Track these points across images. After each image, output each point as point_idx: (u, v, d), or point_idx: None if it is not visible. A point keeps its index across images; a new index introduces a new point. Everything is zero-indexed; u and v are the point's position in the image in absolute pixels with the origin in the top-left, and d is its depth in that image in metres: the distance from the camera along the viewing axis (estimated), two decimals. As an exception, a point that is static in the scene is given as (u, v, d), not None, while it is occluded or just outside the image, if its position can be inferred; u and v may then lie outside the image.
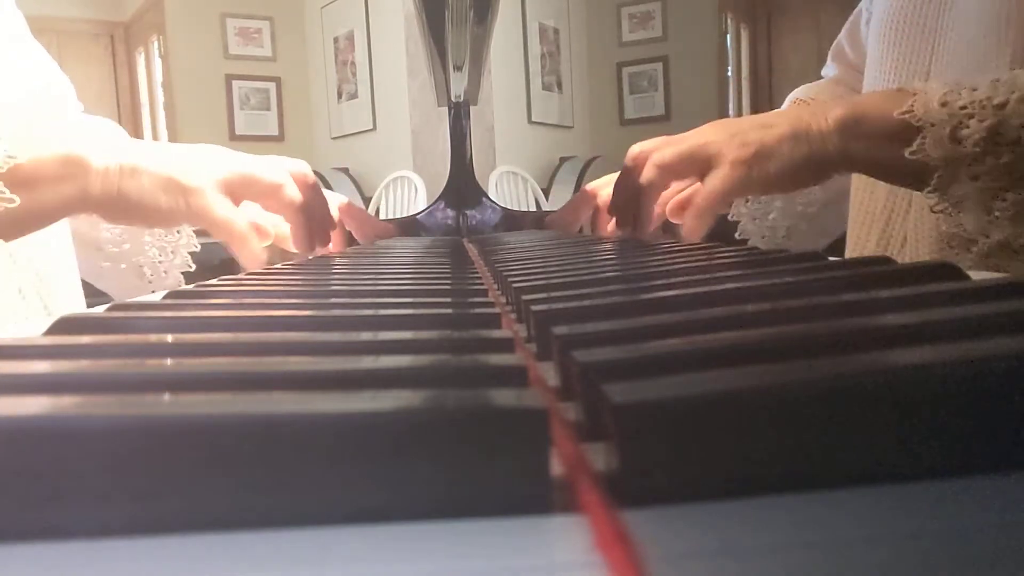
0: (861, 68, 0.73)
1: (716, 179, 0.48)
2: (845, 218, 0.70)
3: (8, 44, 0.56)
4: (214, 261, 0.64)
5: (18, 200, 0.40)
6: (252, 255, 0.50)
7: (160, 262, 0.62)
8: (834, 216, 0.69)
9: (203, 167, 0.49)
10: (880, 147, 0.44)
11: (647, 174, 0.52)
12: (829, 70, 0.78)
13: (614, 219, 0.62)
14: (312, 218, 0.56)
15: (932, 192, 0.41)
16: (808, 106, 0.49)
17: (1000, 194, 0.39)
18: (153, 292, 0.50)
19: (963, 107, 0.40)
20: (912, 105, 0.41)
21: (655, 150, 0.52)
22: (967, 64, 0.53)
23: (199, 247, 0.62)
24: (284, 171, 0.53)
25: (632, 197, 0.55)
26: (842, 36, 0.75)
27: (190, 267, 0.63)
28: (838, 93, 0.74)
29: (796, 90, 0.78)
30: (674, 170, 0.51)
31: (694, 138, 0.51)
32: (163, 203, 0.46)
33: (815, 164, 0.46)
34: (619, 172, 0.58)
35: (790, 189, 0.51)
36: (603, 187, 0.70)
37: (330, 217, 0.60)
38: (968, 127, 0.39)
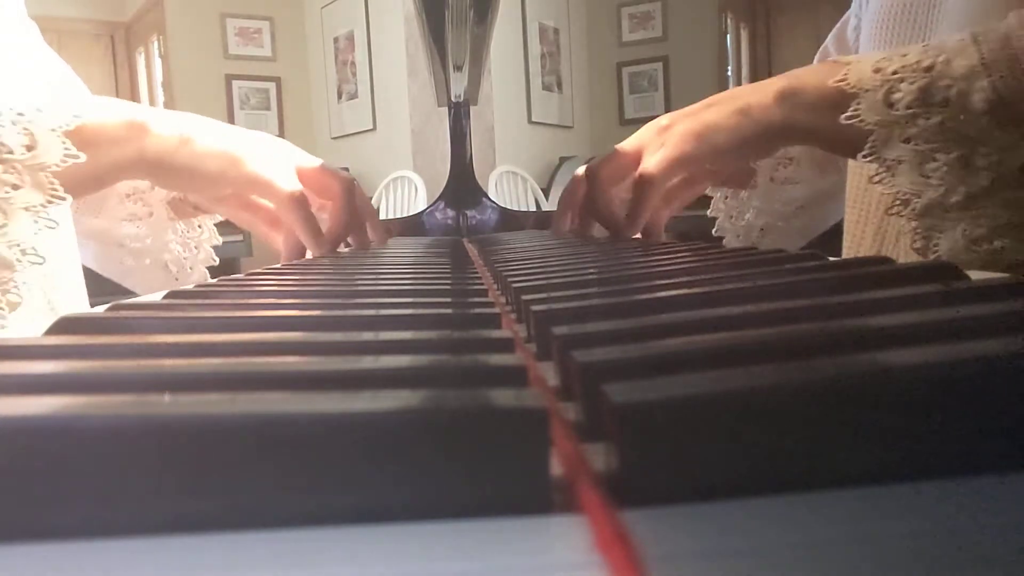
0: None
1: (668, 145, 0.51)
2: (822, 220, 0.72)
3: (11, 49, 0.56)
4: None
5: (84, 157, 0.42)
6: (301, 219, 0.52)
7: (185, 258, 0.63)
8: (811, 217, 0.71)
9: (255, 148, 0.52)
10: (818, 115, 0.45)
11: (651, 189, 0.53)
12: None
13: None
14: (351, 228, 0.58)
15: (867, 156, 0.42)
16: (751, 85, 0.51)
17: (932, 155, 0.41)
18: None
19: (895, 72, 0.41)
20: (846, 74, 0.43)
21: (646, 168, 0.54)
22: None
23: (221, 242, 0.63)
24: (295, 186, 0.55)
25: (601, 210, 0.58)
26: (829, 42, 0.77)
27: (214, 260, 0.64)
28: None
29: None
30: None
31: (649, 141, 0.54)
32: (212, 167, 0.50)
33: (760, 135, 0.48)
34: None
35: (740, 160, 0.54)
36: None
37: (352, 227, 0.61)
38: (900, 91, 0.41)
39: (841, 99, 0.43)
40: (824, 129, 0.46)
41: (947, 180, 0.40)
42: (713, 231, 0.67)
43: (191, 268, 0.64)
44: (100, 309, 0.24)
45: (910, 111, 0.40)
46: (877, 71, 0.42)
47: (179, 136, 0.49)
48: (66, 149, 0.42)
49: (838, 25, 0.75)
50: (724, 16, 4.09)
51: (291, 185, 0.53)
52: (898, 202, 0.42)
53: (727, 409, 0.11)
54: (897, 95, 0.41)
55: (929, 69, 0.40)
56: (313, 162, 0.58)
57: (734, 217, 0.67)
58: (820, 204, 0.70)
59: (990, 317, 0.16)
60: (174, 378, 0.15)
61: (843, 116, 0.42)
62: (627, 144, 0.56)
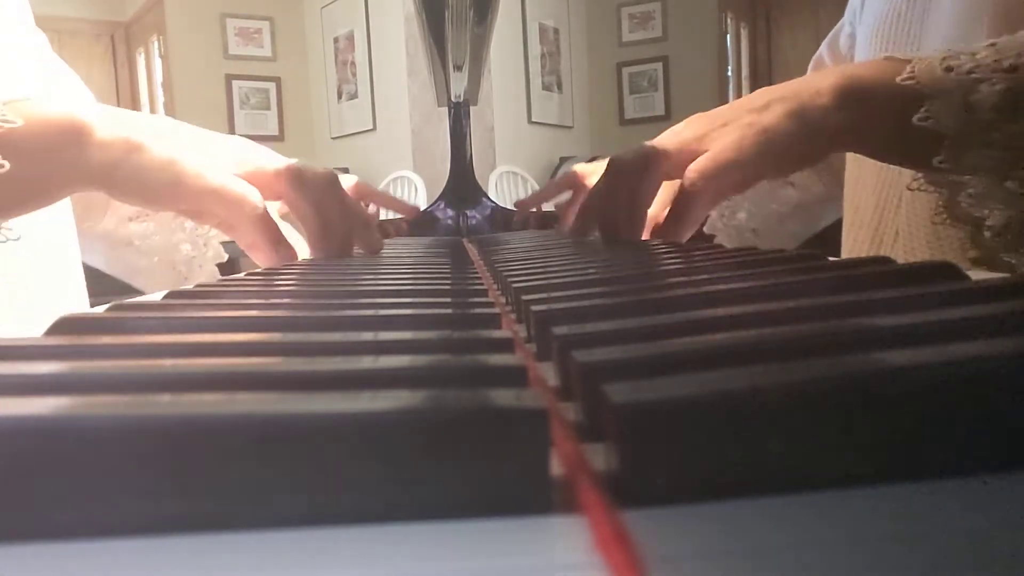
0: None
1: (725, 141, 0.44)
2: (815, 222, 0.71)
3: (11, 49, 0.56)
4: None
5: (7, 166, 0.37)
6: (253, 221, 0.47)
7: (193, 256, 0.62)
8: (804, 219, 0.70)
9: (209, 155, 0.47)
10: (880, 118, 0.41)
11: (693, 184, 0.45)
12: None
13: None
14: (329, 226, 0.51)
15: (943, 162, 0.38)
16: (796, 82, 0.45)
17: (1018, 163, 0.37)
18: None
19: (970, 71, 0.37)
20: (913, 72, 0.39)
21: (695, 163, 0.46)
22: None
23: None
24: (295, 164, 0.50)
25: (632, 207, 0.50)
26: (823, 50, 0.76)
27: (223, 256, 0.62)
28: None
29: None
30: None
31: (689, 133, 0.47)
32: (157, 181, 0.43)
33: (812, 141, 0.43)
34: (608, 176, 0.51)
35: (790, 170, 0.47)
36: (591, 174, 0.69)
37: (348, 235, 0.53)
38: (979, 92, 0.37)
39: (910, 100, 0.38)
40: (882, 134, 0.41)
41: None
42: (704, 228, 0.66)
43: (200, 266, 0.63)
44: (100, 309, 0.24)
45: (992, 115, 0.37)
46: (949, 70, 0.38)
47: (125, 144, 0.42)
48: None
49: (831, 33, 0.75)
50: (724, 16, 4.10)
51: (242, 189, 0.46)
52: (965, 217, 0.39)
53: (727, 409, 0.11)
54: (976, 96, 0.37)
55: (1013, 70, 0.37)
56: (270, 163, 0.51)
57: (726, 216, 0.67)
58: (814, 206, 0.70)
59: (990, 317, 0.16)
60: (174, 378, 0.15)
61: (916, 118, 0.38)
62: (669, 143, 0.48)
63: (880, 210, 0.63)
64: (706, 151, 0.45)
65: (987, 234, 0.38)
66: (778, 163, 0.44)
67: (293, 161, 0.52)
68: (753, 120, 0.43)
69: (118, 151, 0.42)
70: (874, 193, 0.63)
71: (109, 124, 0.42)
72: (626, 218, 0.50)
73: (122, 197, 0.46)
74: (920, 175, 0.41)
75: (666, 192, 0.54)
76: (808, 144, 0.43)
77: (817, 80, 0.42)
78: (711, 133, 0.45)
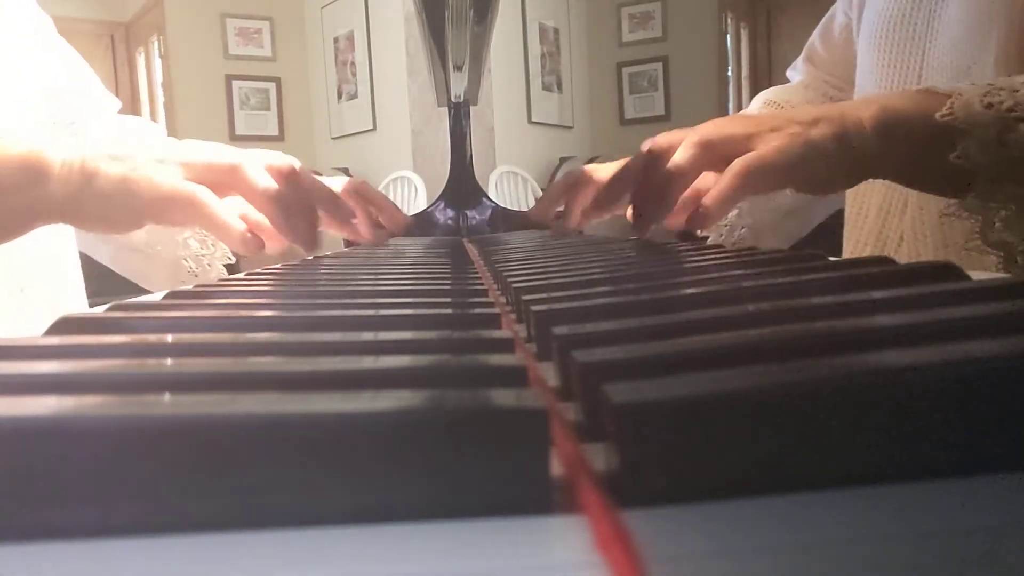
0: (830, 70, 0.74)
1: (771, 144, 0.44)
2: (809, 222, 0.71)
3: (11, 49, 0.56)
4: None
5: None
6: (208, 219, 0.45)
7: (203, 255, 0.61)
8: (798, 221, 0.69)
9: (158, 163, 0.46)
10: (917, 151, 0.42)
11: (684, 154, 0.46)
12: (796, 74, 0.78)
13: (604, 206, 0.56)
14: (287, 205, 0.49)
15: (977, 198, 0.40)
16: (842, 106, 0.46)
17: None
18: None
19: (1010, 109, 0.39)
20: (952, 107, 0.40)
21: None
22: (955, 65, 0.54)
23: None
24: (246, 155, 0.49)
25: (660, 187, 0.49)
26: (815, 38, 0.76)
27: (230, 259, 0.62)
28: (808, 97, 0.75)
29: (765, 91, 0.78)
30: (716, 149, 0.46)
31: (736, 129, 0.47)
32: (117, 205, 0.43)
33: (852, 166, 0.43)
34: (637, 159, 0.51)
35: (820, 190, 0.47)
36: (599, 169, 0.69)
37: (312, 210, 0.51)
38: (1017, 131, 0.38)
39: (946, 135, 0.39)
40: (918, 167, 0.43)
41: None
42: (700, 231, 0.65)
43: (209, 264, 0.62)
44: (100, 309, 0.24)
45: None
46: (988, 107, 0.39)
47: (82, 171, 0.42)
48: None
49: (822, 23, 0.75)
50: (724, 16, 4.10)
51: (191, 189, 0.45)
52: (1001, 246, 0.40)
53: (727, 409, 0.11)
54: (1013, 135, 0.38)
55: None
56: (217, 158, 0.48)
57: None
58: (807, 208, 0.70)
59: (990, 317, 0.16)
60: (174, 378, 0.15)
61: (953, 155, 0.39)
62: (714, 134, 0.47)
63: (884, 213, 0.63)
64: (751, 150, 0.45)
65: (1020, 260, 0.39)
66: (812, 178, 0.44)
67: (241, 153, 0.50)
68: (799, 131, 0.44)
69: (76, 182, 0.42)
70: (879, 196, 0.63)
71: (67, 154, 0.42)
72: (657, 198, 0.49)
73: (86, 226, 0.46)
74: (954, 201, 0.42)
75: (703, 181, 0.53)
76: (845, 167, 0.43)
77: (860, 108, 0.43)
78: (759, 135, 0.46)
